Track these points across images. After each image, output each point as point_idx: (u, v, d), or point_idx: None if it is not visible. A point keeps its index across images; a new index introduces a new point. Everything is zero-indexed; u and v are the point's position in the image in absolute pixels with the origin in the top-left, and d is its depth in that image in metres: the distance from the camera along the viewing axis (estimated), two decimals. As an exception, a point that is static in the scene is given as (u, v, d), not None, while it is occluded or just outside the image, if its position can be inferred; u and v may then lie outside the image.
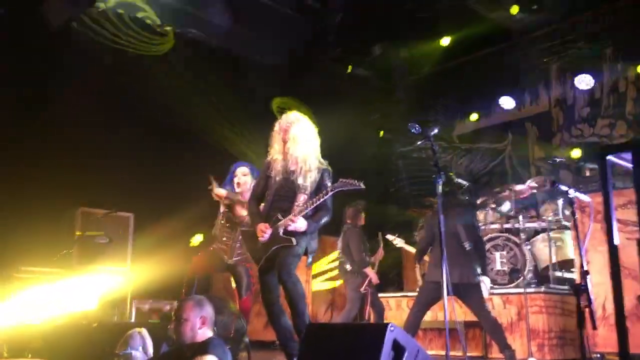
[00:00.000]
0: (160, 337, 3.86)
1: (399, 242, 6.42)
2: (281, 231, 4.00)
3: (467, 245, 5.48)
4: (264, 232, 4.03)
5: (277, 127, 4.29)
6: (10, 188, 6.33)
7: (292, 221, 3.96)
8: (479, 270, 5.49)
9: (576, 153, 8.49)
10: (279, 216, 4.05)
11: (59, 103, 6.78)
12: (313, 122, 4.41)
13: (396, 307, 7.23)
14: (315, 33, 8.91)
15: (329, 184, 4.14)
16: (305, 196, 4.08)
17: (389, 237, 6.48)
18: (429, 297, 5.46)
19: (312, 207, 4.03)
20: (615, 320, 2.40)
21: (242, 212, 4.97)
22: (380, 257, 6.83)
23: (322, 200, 4.03)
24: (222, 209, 5.17)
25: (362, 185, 4.01)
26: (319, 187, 4.13)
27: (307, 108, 8.98)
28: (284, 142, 4.19)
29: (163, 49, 7.86)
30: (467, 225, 5.66)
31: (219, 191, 5.08)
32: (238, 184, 5.06)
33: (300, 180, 4.10)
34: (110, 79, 7.10)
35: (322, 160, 4.26)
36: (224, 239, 5.09)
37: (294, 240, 3.98)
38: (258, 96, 8.69)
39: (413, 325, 5.45)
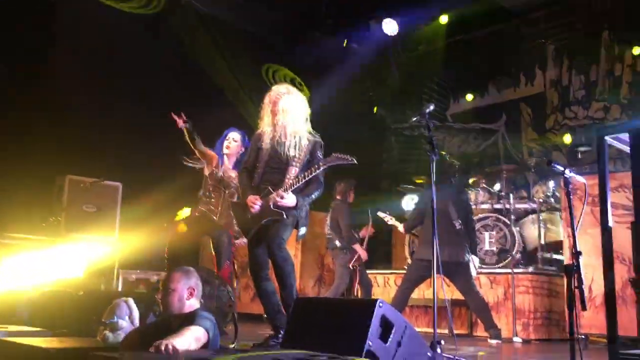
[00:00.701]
0: (147, 307, 3.84)
1: (390, 219, 6.40)
2: (272, 204, 3.96)
3: (457, 224, 5.49)
4: (255, 203, 3.99)
5: (267, 99, 4.21)
6: (-2, 154, 6.25)
7: (282, 197, 3.92)
8: (468, 249, 5.51)
9: (568, 139, 8.49)
10: (270, 189, 4.01)
11: (49, 71, 6.67)
12: (305, 95, 4.34)
13: (384, 284, 7.26)
14: (310, 5, 8.78)
15: (321, 156, 4.10)
16: (296, 169, 4.03)
17: (381, 214, 6.47)
18: (418, 275, 5.48)
19: (304, 181, 3.99)
20: (605, 302, 2.40)
21: (231, 173, 4.96)
22: (369, 233, 6.83)
23: (313, 174, 3.99)
24: (206, 171, 5.13)
25: (355, 161, 3.96)
26: (310, 159, 4.09)
27: (300, 79, 8.91)
28: (274, 114, 4.13)
29: (153, 12, 7.72)
30: (458, 204, 5.66)
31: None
32: (227, 146, 5.07)
33: (291, 152, 4.05)
34: (100, 47, 6.99)
35: (313, 131, 4.20)
36: (212, 199, 5.03)
37: (284, 213, 3.95)
38: (250, 66, 8.58)
39: (401, 302, 5.49)
